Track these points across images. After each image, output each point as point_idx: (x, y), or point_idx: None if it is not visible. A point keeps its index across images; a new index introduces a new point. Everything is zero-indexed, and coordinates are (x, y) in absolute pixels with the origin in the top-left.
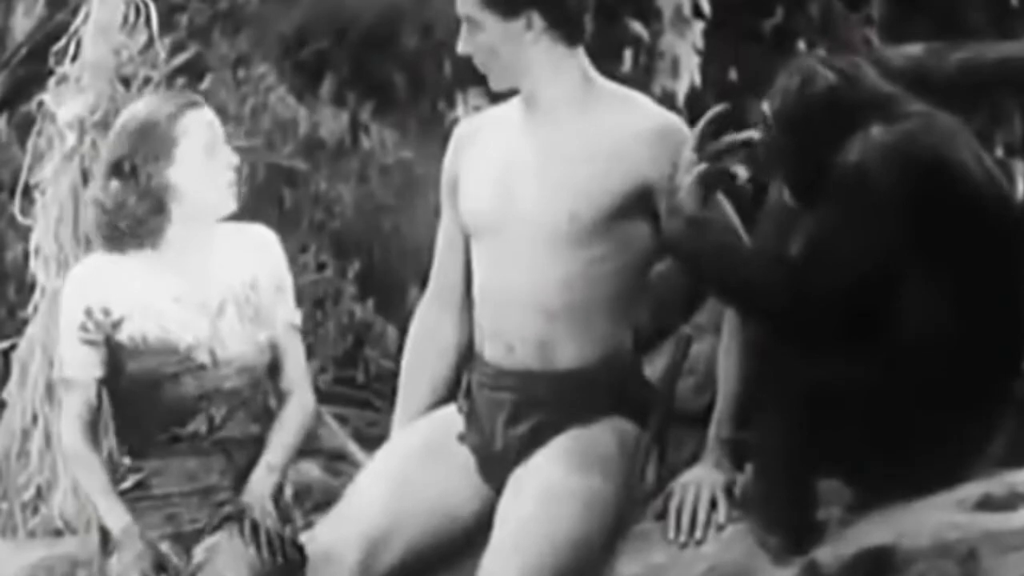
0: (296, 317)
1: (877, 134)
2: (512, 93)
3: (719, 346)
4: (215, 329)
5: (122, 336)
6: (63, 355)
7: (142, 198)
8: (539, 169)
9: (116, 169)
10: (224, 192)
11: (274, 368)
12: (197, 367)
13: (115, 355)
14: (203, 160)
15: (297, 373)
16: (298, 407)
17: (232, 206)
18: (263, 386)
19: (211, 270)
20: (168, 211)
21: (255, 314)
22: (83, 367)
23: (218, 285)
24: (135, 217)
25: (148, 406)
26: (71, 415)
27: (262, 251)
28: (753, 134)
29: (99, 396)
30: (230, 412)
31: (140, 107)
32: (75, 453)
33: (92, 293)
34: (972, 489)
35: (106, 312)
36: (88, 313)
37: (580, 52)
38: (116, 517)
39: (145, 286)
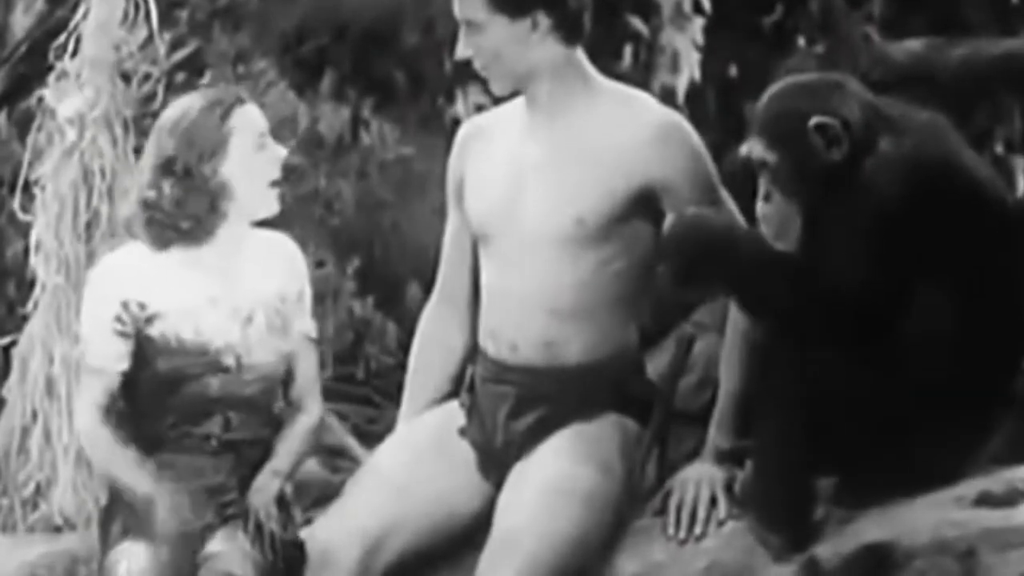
0: (313, 329)
1: (886, 149)
2: (513, 92)
3: (722, 345)
4: (244, 335)
5: (153, 331)
6: (91, 344)
7: (200, 197)
8: (544, 173)
9: (167, 169)
10: (268, 190)
11: (287, 377)
12: (222, 370)
13: (141, 349)
14: (253, 157)
15: (308, 383)
16: (307, 416)
17: (275, 206)
18: (275, 393)
19: (245, 276)
20: (222, 210)
21: (281, 325)
22: (113, 359)
23: (250, 292)
24: (195, 217)
25: (166, 403)
26: (89, 402)
27: (290, 262)
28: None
29: (120, 385)
30: (244, 416)
31: (185, 106)
32: (92, 436)
33: (129, 285)
34: (971, 486)
35: (142, 306)
36: (125, 305)
37: (579, 51)
38: (145, 482)
39: (182, 284)
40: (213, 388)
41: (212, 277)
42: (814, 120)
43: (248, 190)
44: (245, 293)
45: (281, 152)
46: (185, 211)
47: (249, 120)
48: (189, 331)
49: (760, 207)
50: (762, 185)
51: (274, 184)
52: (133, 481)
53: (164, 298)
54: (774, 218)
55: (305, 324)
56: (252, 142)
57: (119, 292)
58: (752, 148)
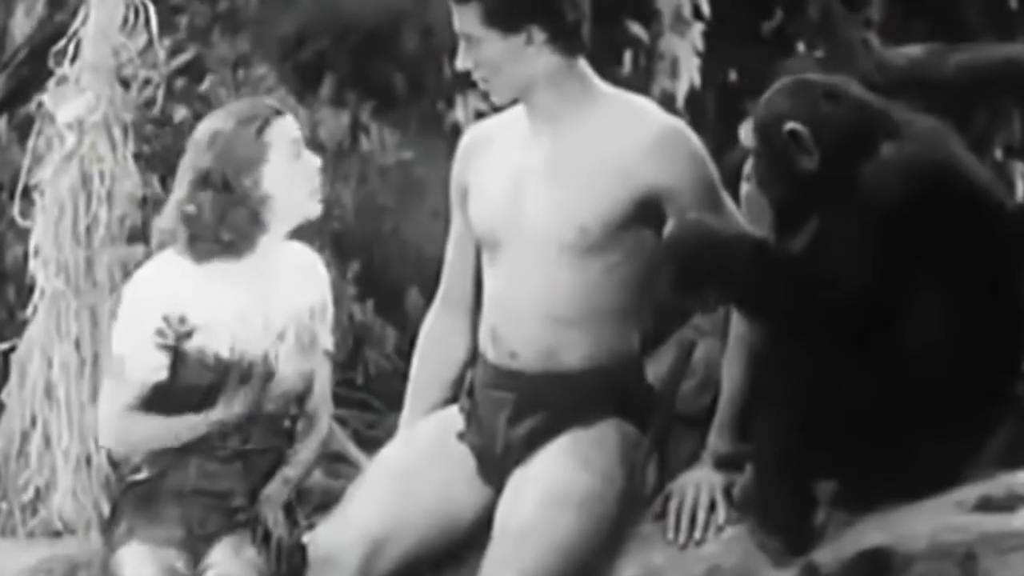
0: (331, 344)
1: (888, 154)
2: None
3: (722, 349)
4: (275, 352)
5: (190, 346)
6: (129, 355)
7: (241, 209)
8: (547, 181)
9: (204, 182)
10: (311, 196)
11: (304, 391)
12: None
13: (177, 362)
14: (290, 167)
15: (323, 396)
16: (321, 428)
17: (318, 209)
18: (291, 407)
19: (277, 291)
20: (263, 221)
21: (309, 342)
22: (152, 371)
23: (282, 308)
24: (237, 229)
25: (191, 413)
26: (121, 406)
27: (318, 278)
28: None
29: (151, 395)
30: (262, 431)
31: (223, 118)
32: (127, 421)
33: (169, 298)
34: (971, 491)
35: (182, 320)
36: (167, 319)
37: (581, 62)
38: (200, 423)
39: (217, 299)
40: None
41: (246, 292)
42: (788, 126)
43: (289, 200)
44: (277, 309)
45: (316, 161)
46: (227, 224)
47: (285, 132)
48: (224, 348)
49: (743, 187)
50: (747, 166)
51: (313, 192)
52: (192, 429)
53: (201, 312)
54: (751, 200)
55: (326, 340)
56: (289, 153)
57: (160, 305)
58: (746, 133)
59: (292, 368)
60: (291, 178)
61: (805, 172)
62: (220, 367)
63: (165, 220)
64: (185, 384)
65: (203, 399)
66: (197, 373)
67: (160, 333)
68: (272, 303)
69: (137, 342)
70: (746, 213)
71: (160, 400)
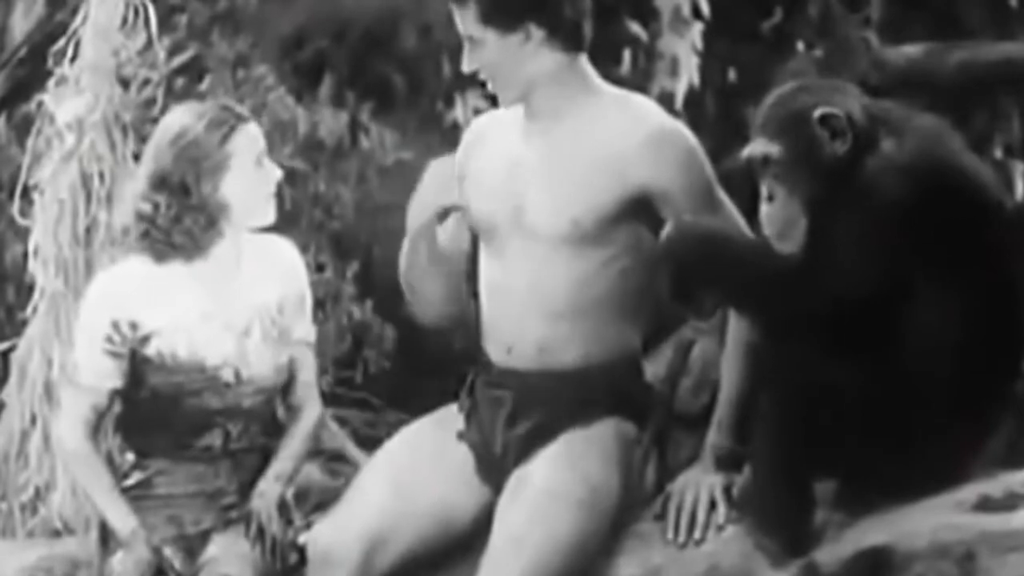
0: (312, 335)
1: (889, 151)
2: None
3: (720, 348)
4: (241, 349)
5: (149, 350)
6: (80, 361)
7: (197, 214)
8: (541, 176)
9: (162, 182)
10: (266, 204)
11: (287, 383)
12: (221, 385)
13: (138, 367)
14: (252, 176)
15: (308, 388)
16: (307, 420)
17: (271, 217)
18: (275, 401)
19: (241, 288)
20: (219, 228)
21: (279, 336)
22: (102, 377)
23: (247, 304)
24: (190, 233)
25: (165, 417)
26: (75, 417)
27: (289, 270)
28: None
29: (109, 402)
30: (245, 427)
31: (187, 121)
32: (78, 454)
33: (120, 305)
34: (970, 490)
35: (134, 326)
36: (115, 326)
37: (581, 59)
38: (122, 520)
39: (176, 301)
40: (212, 402)
41: (206, 292)
42: (819, 111)
43: (245, 207)
44: (241, 306)
45: (276, 171)
46: (181, 227)
47: (250, 140)
48: (183, 349)
49: (763, 208)
50: (764, 186)
51: (269, 199)
52: (115, 520)
53: (157, 316)
54: (777, 218)
55: (304, 330)
56: (252, 161)
57: (111, 312)
58: (754, 147)
59: (263, 363)
60: (250, 187)
61: (836, 159)
62: (181, 368)
63: (122, 215)
64: (152, 388)
65: (172, 402)
66: (161, 376)
67: (108, 339)
68: (234, 302)
69: (88, 347)
70: (770, 233)
71: (131, 405)
